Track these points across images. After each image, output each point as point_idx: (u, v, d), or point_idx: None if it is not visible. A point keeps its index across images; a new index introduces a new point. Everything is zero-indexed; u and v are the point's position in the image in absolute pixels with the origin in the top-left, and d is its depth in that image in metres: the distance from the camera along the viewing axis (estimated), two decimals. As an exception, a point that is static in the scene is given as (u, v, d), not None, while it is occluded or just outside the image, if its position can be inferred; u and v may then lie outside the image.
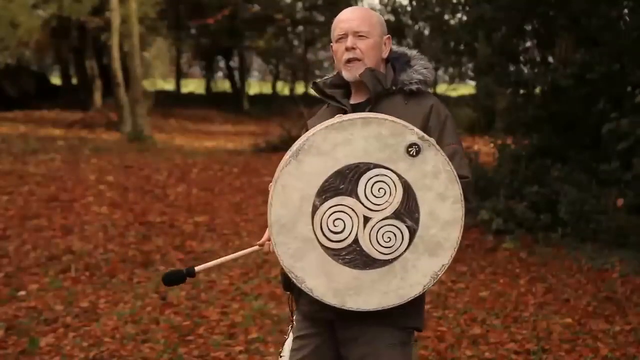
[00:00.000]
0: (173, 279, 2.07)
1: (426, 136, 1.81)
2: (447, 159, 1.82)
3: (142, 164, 10.84)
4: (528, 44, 8.28)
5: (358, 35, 2.04)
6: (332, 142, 1.81)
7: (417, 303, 1.97)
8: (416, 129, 1.82)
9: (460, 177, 1.91)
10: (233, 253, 2.11)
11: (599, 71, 6.42)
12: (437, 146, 1.81)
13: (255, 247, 2.02)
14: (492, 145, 7.93)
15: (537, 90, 7.69)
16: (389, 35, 2.11)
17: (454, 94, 21.67)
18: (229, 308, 4.45)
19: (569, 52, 7.17)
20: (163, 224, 6.81)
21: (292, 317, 2.16)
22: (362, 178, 1.81)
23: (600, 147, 6.67)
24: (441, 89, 23.67)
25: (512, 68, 7.87)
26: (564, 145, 7.07)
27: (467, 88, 20.52)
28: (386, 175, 1.80)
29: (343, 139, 1.80)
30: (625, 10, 7.11)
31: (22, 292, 4.62)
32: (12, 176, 9.03)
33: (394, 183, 1.81)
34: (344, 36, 2.05)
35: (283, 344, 2.20)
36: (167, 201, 8.04)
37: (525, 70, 7.82)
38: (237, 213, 7.55)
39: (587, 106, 6.82)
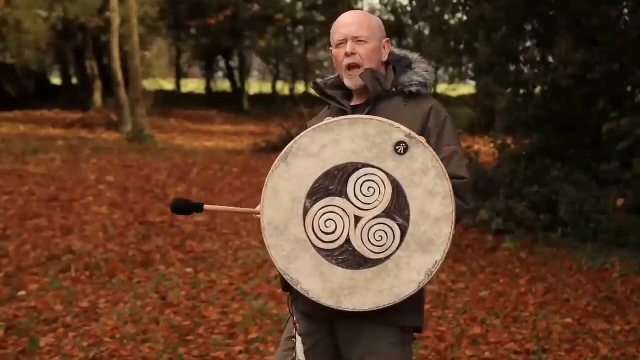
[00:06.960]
0: (181, 206, 2.05)
1: (413, 133, 1.80)
2: (435, 155, 1.80)
3: (142, 164, 10.84)
4: (528, 44, 8.28)
5: (357, 40, 2.04)
6: (319, 143, 1.81)
7: (416, 303, 1.97)
8: (403, 127, 1.80)
9: (459, 177, 1.92)
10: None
11: (599, 71, 6.43)
12: (425, 143, 1.80)
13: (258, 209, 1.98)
14: (492, 145, 7.94)
15: (537, 90, 7.69)
16: (387, 39, 2.11)
17: (454, 94, 21.69)
18: (229, 308, 4.45)
19: (569, 52, 7.17)
20: (163, 224, 6.81)
21: (294, 319, 2.12)
22: (351, 178, 1.80)
23: (600, 147, 6.68)
24: (441, 88, 23.72)
25: (512, 68, 7.87)
26: (564, 145, 7.08)
27: (467, 88, 20.55)
28: (375, 174, 1.80)
29: (330, 140, 1.81)
30: (625, 10, 7.11)
31: (22, 292, 4.62)
32: (12, 176, 9.03)
33: (383, 182, 1.80)
34: (344, 42, 2.05)
35: (294, 348, 2.13)
36: (167, 201, 8.03)
37: (525, 70, 7.82)
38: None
39: (587, 106, 6.83)
